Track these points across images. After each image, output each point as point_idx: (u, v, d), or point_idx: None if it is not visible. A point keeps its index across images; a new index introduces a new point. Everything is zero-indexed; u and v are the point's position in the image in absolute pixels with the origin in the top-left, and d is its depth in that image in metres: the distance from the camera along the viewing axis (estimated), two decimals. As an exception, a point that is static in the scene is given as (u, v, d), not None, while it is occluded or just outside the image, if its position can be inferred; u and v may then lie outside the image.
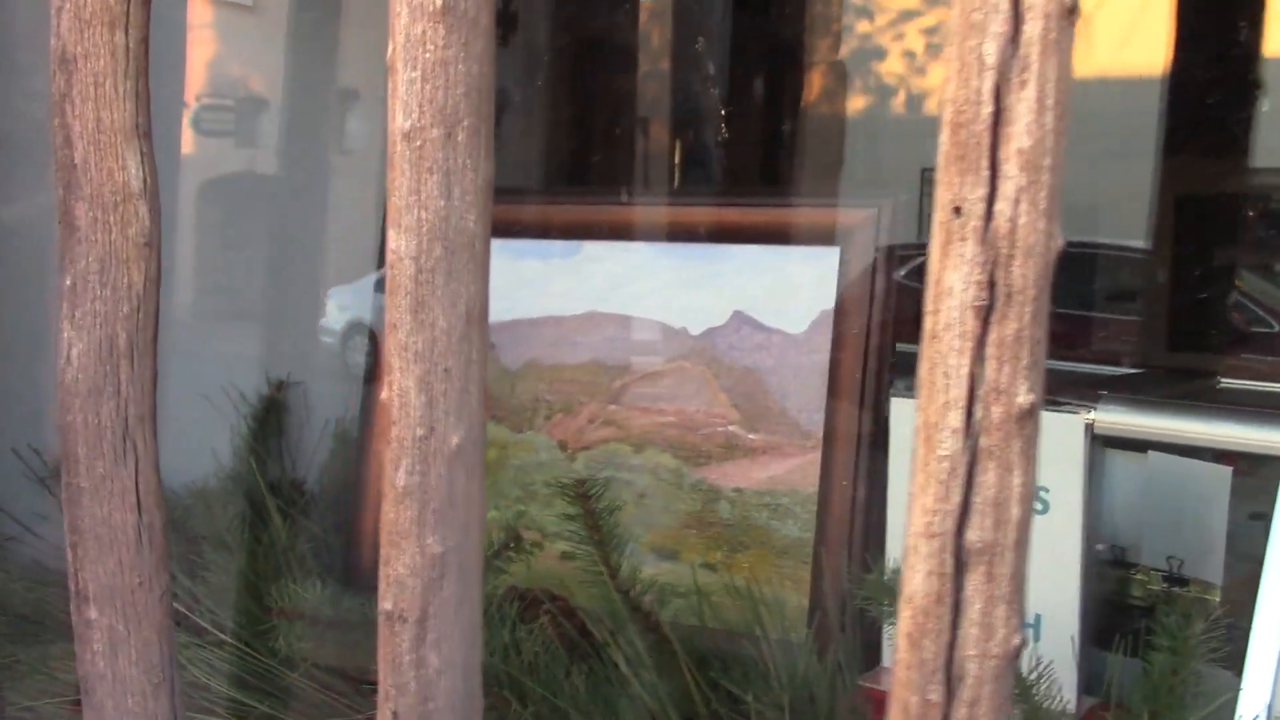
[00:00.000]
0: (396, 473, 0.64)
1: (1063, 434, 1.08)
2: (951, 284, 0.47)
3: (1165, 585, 1.35)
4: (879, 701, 0.96)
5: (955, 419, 0.47)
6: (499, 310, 1.44)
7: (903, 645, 0.49)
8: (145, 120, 0.77)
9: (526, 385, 1.40)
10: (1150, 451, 1.32)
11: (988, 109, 0.46)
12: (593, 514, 0.96)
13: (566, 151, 1.47)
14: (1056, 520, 1.08)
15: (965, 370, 0.46)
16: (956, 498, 0.47)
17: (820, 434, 1.26)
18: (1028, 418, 0.47)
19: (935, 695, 0.48)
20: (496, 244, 1.46)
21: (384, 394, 0.64)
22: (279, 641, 0.95)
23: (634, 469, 1.33)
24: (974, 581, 0.47)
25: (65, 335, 0.77)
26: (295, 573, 1.20)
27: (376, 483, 1.46)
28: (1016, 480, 0.47)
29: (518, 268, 1.43)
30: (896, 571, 1.01)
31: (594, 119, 1.44)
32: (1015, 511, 0.47)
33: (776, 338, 1.29)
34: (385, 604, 0.65)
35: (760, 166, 1.39)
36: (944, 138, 0.47)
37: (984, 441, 0.46)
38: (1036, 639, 1.10)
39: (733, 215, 1.34)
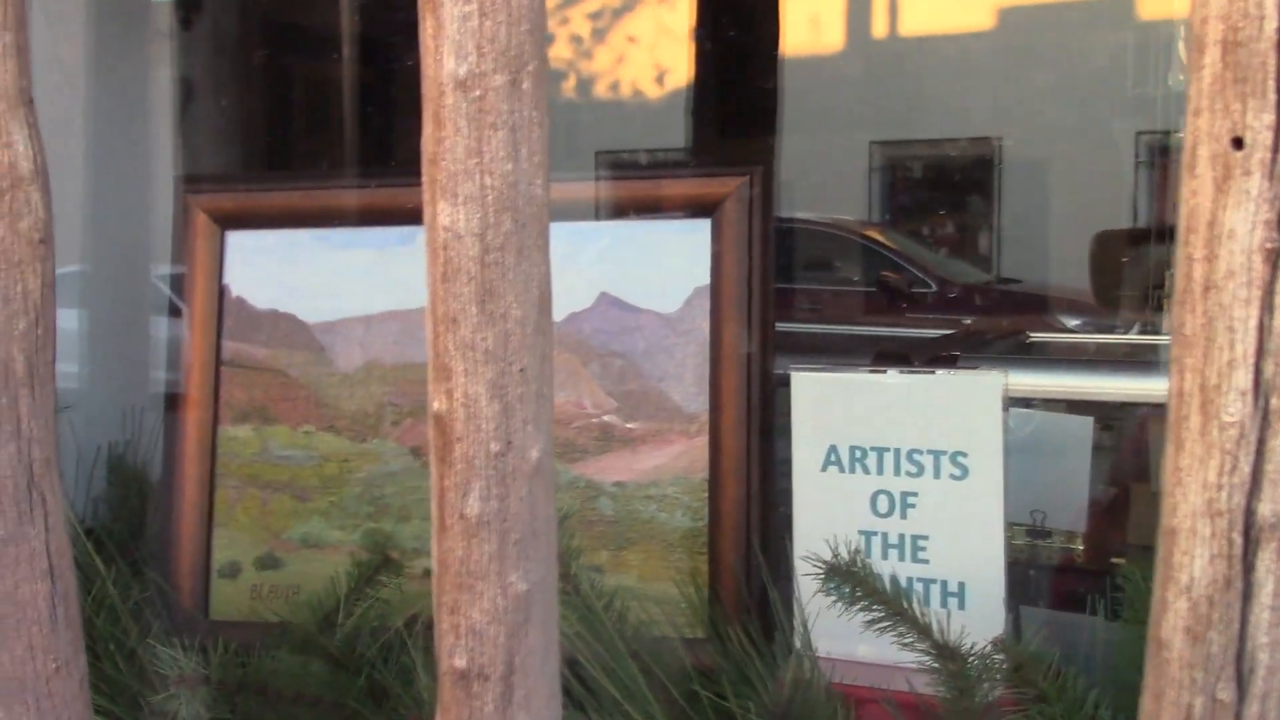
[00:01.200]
0: (465, 500, 0.52)
1: (980, 396, 1.06)
2: (1233, 225, 0.41)
3: (1029, 539, 1.37)
4: (860, 701, 0.90)
5: (1243, 379, 0.41)
6: (323, 309, 1.30)
7: (1180, 641, 0.43)
8: (28, 83, 0.60)
9: (367, 389, 1.26)
10: (1013, 409, 1.33)
11: (1272, 24, 0.40)
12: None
13: (393, 130, 1.33)
14: (976, 485, 1.06)
15: (1253, 322, 0.41)
16: (1246, 468, 0.41)
17: (705, 417, 1.19)
18: (1314, 371, 0.41)
19: (1226, 694, 0.42)
20: (312, 235, 1.31)
21: (436, 404, 0.52)
22: (181, 713, 0.79)
23: (501, 471, 1.22)
24: (1265, 560, 0.42)
25: (-59, 363, 0.60)
26: (139, 629, 1.02)
27: (192, 514, 1.28)
28: (1305, 442, 0.42)
29: (343, 259, 1.29)
30: (855, 554, 0.96)
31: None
32: (1304, 477, 0.41)
33: (648, 318, 1.22)
34: (456, 660, 0.53)
35: (615, 138, 1.29)
36: (1210, 59, 0.41)
37: (1275, 402, 0.41)
38: (961, 607, 1.07)
39: (590, 191, 1.25)
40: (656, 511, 1.18)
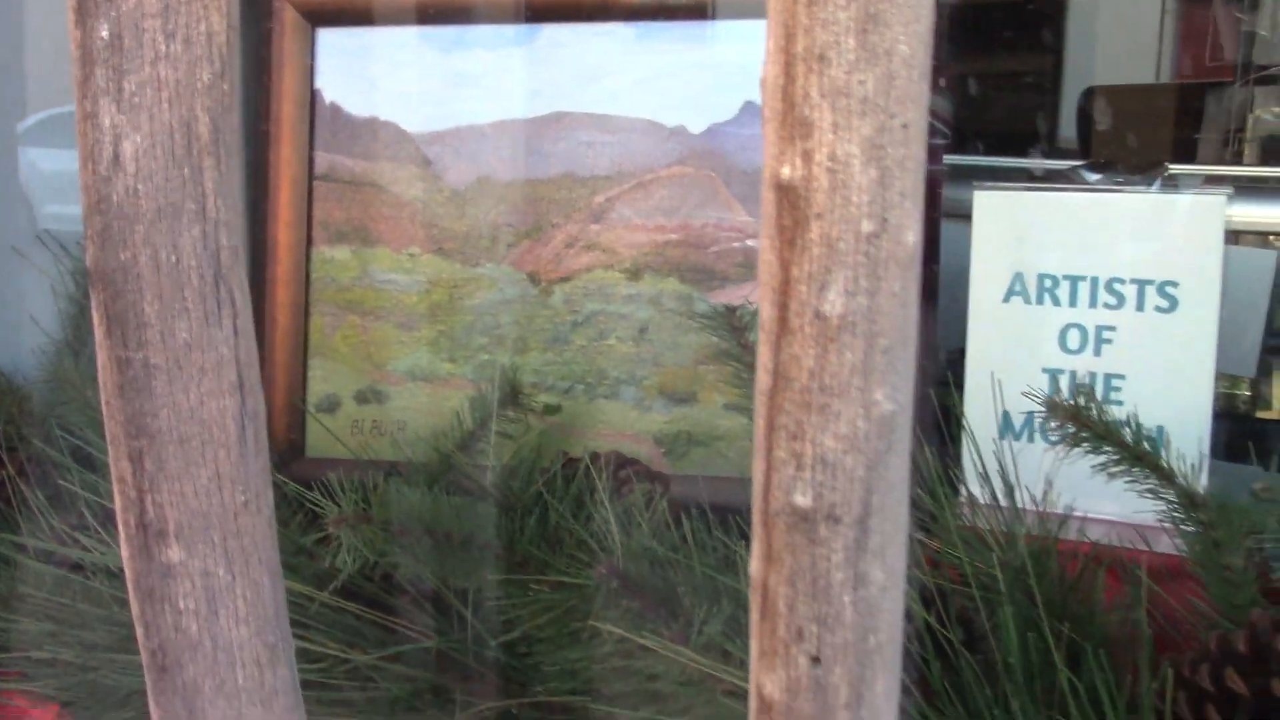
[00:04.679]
0: (824, 294, 0.40)
1: (1197, 219, 0.94)
2: None
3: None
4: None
5: None
6: (429, 118, 1.16)
7: None
8: None
9: (479, 208, 1.14)
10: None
11: None
12: (751, 349, 0.74)
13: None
14: (1186, 319, 0.95)
15: None
16: None
17: (862, 242, 1.06)
18: None
19: None
20: (416, 33, 1.17)
21: (787, 171, 0.40)
22: (340, 558, 0.69)
23: (630, 300, 1.11)
24: None
25: (107, 123, 0.47)
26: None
27: (285, 343, 1.17)
28: None
29: (454, 61, 1.15)
30: (1082, 389, 0.85)
31: None
32: None
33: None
34: (797, 498, 0.42)
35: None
36: None
37: None
38: (1158, 451, 0.97)
39: (734, -18, 1.10)
40: (805, 346, 1.07)
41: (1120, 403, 0.97)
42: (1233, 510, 0.75)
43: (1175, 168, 1.51)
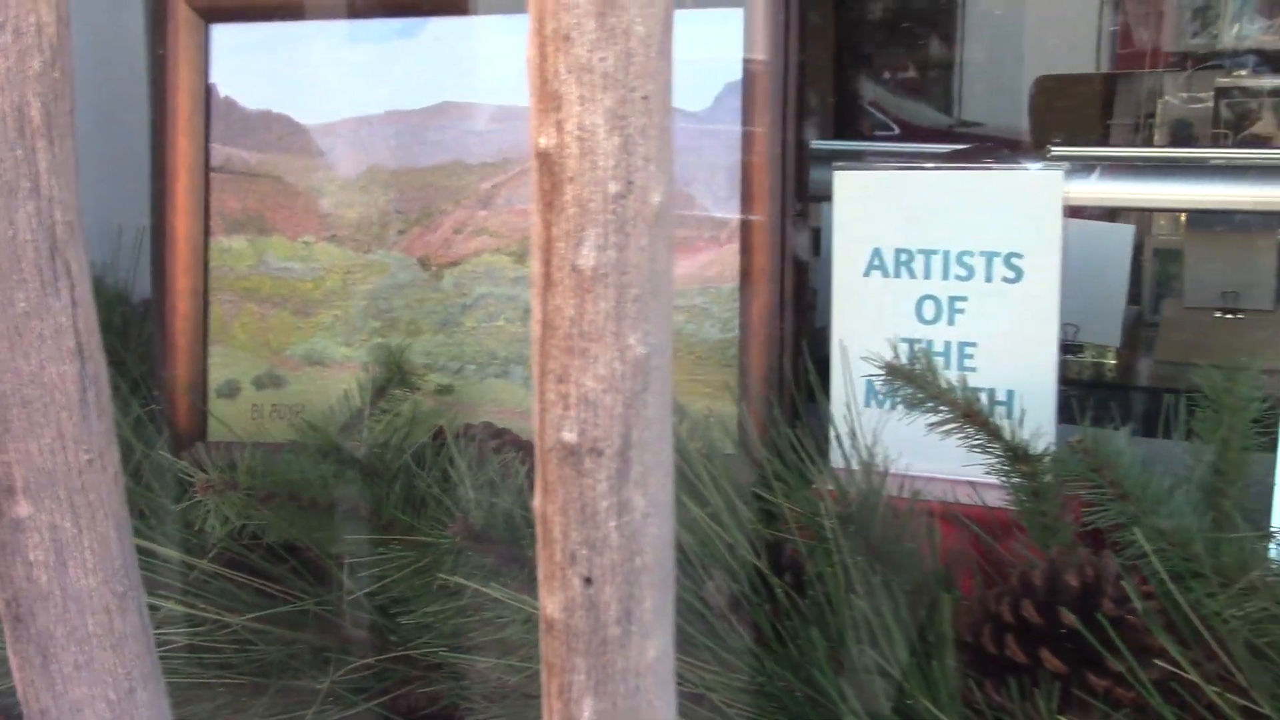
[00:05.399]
0: (578, 250, 0.45)
1: (1037, 193, 1.00)
2: None
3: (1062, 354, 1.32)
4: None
5: None
6: (320, 110, 1.20)
7: None
8: None
9: (369, 196, 1.18)
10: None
11: None
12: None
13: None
14: (1030, 288, 1.01)
15: None
16: None
17: (735, 223, 1.12)
18: None
19: None
20: (305, 28, 1.21)
21: (544, 140, 0.45)
22: (208, 522, 0.73)
23: (518, 282, 1.15)
24: None
25: (-57, 108, 0.51)
26: (143, 444, 0.96)
27: (185, 331, 1.20)
28: None
29: (341, 55, 1.19)
30: (919, 354, 0.91)
31: None
32: None
33: (674, 117, 1.13)
34: (565, 434, 0.47)
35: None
36: None
37: None
38: (1009, 415, 1.03)
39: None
40: (684, 323, 1.12)
41: (974, 369, 1.02)
42: (1051, 462, 0.80)
43: (1058, 149, 1.58)
